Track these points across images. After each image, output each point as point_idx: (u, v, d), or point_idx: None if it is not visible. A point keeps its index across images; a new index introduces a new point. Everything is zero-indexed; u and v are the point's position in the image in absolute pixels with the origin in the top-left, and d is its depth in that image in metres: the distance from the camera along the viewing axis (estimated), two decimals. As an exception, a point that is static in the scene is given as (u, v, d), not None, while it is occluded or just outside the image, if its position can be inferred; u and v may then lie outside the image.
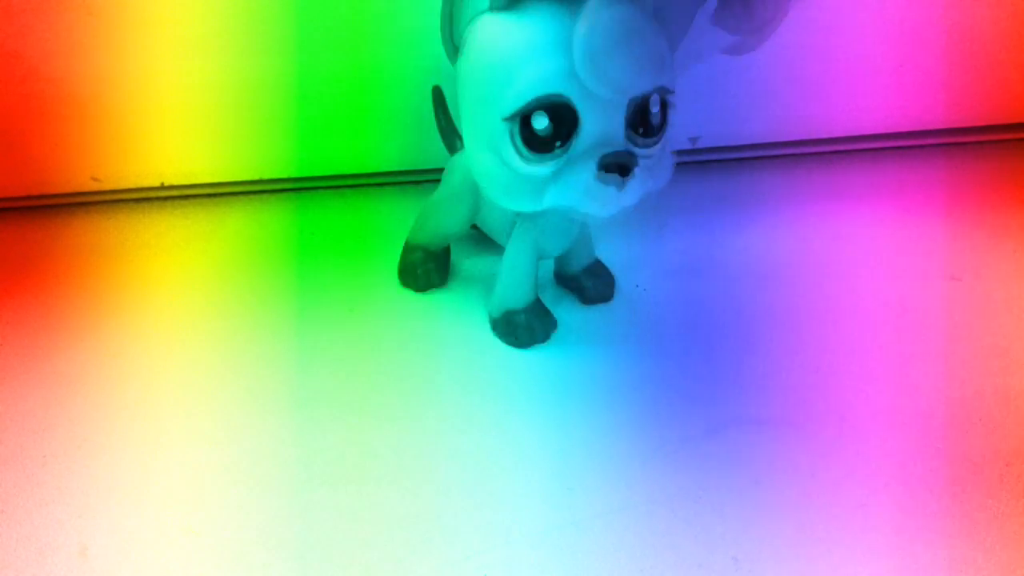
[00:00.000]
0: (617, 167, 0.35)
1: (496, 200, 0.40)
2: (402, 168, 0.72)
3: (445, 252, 0.54)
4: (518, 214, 0.44)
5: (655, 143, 0.38)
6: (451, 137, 0.57)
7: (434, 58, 0.63)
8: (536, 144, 0.36)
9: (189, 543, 0.35)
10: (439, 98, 0.58)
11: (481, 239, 0.53)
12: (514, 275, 0.46)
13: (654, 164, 0.38)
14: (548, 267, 0.53)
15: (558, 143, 0.36)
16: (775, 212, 0.65)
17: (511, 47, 0.36)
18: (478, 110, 0.38)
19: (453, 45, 0.41)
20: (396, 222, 0.66)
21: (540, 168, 0.37)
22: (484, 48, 0.38)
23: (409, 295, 0.54)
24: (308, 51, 0.65)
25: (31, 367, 0.48)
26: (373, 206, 0.69)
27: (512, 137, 0.36)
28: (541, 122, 0.35)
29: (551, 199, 0.38)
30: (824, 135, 0.75)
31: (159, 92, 0.66)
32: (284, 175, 0.71)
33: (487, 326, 0.50)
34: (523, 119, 0.36)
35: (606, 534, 0.35)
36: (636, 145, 0.37)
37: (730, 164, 0.73)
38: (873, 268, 0.56)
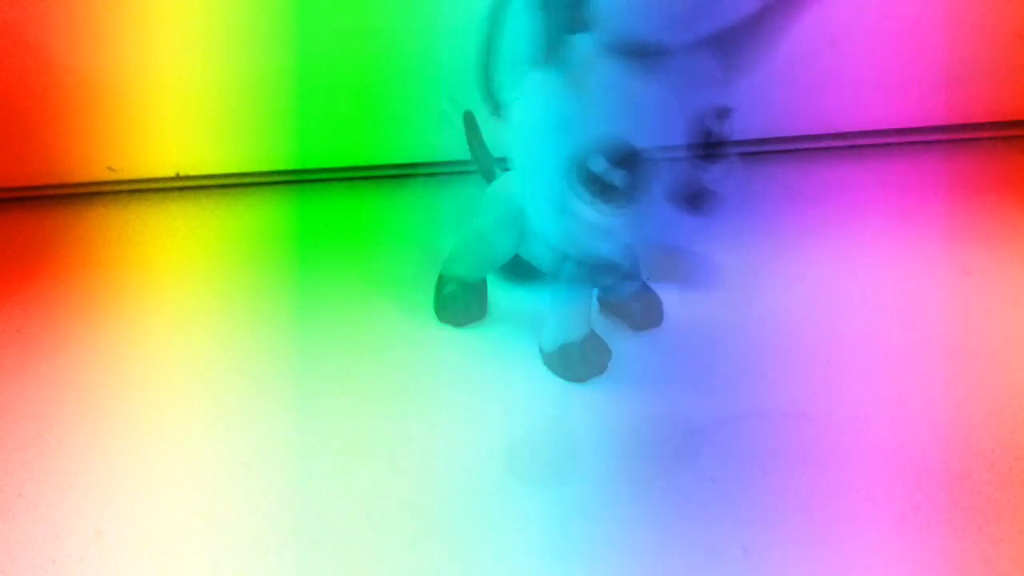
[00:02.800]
0: (688, 201, 0.35)
1: (568, 250, 0.40)
2: (416, 160, 0.72)
3: (482, 283, 0.52)
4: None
5: (717, 166, 0.37)
6: (487, 164, 0.54)
7: (446, 51, 0.64)
8: (601, 189, 0.36)
9: (202, 527, 0.36)
10: (471, 124, 0.55)
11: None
12: (569, 309, 0.45)
13: (725, 179, 0.37)
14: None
15: (622, 182, 0.35)
16: (783, 206, 0.64)
17: (564, 102, 0.36)
18: (537, 165, 0.38)
19: (493, 100, 0.41)
20: (409, 214, 0.66)
21: (608, 210, 0.36)
22: (538, 105, 0.38)
23: (418, 283, 0.54)
24: (322, 45, 0.66)
25: (49, 353, 0.49)
26: (385, 197, 0.70)
27: (577, 187, 0.36)
28: (601, 165, 0.35)
29: (622, 239, 0.38)
30: (831, 130, 0.74)
31: (176, 85, 0.66)
32: (298, 166, 0.72)
33: (496, 312, 0.51)
34: (587, 168, 0.35)
35: (615, 522, 0.35)
36: (703, 170, 0.36)
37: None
38: (883, 262, 0.56)
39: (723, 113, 0.36)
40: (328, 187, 0.72)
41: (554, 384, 0.45)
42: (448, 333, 0.50)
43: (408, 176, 0.73)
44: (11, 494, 0.38)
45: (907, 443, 0.39)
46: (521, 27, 0.38)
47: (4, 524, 0.37)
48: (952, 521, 0.35)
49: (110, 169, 0.69)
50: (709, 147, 0.36)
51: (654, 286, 0.50)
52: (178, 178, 0.71)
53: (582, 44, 0.35)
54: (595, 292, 0.49)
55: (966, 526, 0.35)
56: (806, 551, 0.34)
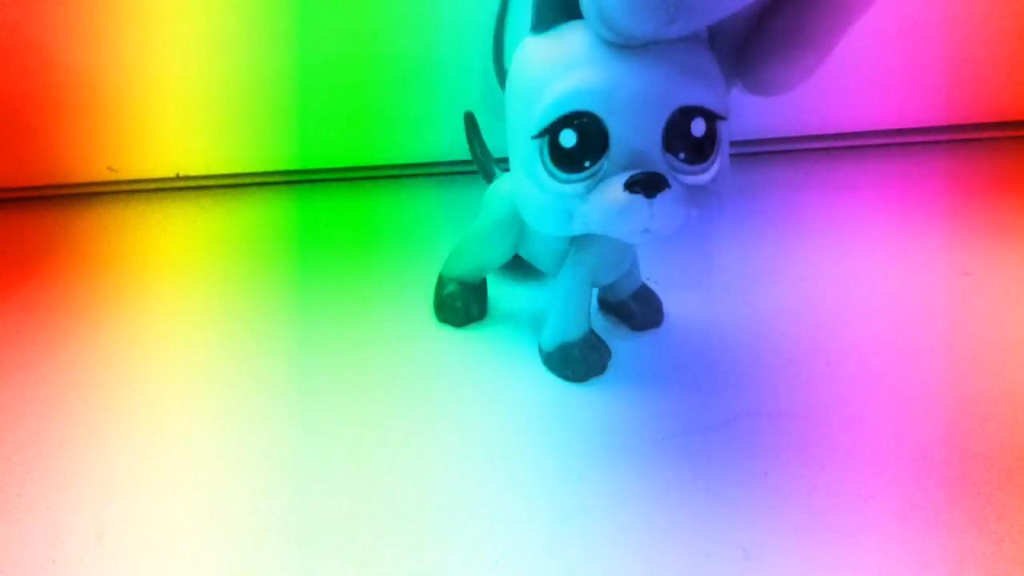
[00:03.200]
0: (642, 185, 0.33)
1: (529, 222, 0.39)
2: (415, 160, 0.72)
3: (482, 283, 0.52)
4: (570, 245, 0.43)
5: (700, 170, 0.35)
6: (487, 164, 0.54)
7: (453, 52, 0.64)
8: (565, 163, 0.35)
9: (202, 527, 0.36)
10: (471, 124, 0.55)
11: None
12: (568, 308, 0.45)
13: (699, 193, 0.35)
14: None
15: (587, 163, 0.34)
16: (784, 206, 0.65)
17: (542, 66, 0.35)
18: (514, 130, 0.37)
19: (503, 72, 0.40)
20: (408, 214, 0.66)
21: (569, 187, 0.35)
22: (520, 69, 0.37)
23: (417, 284, 0.54)
24: (321, 45, 0.66)
25: (48, 353, 0.49)
26: (384, 198, 0.70)
27: (541, 155, 0.35)
28: (569, 139, 0.34)
29: (580, 222, 0.36)
30: (832, 131, 0.75)
31: (175, 85, 0.66)
32: (297, 167, 0.72)
33: (496, 310, 0.51)
34: (552, 138, 0.35)
35: (616, 523, 0.35)
36: (676, 170, 0.35)
37: (738, 159, 0.73)
38: (882, 262, 0.56)
39: (720, 115, 0.35)
40: (328, 187, 0.72)
41: (554, 384, 0.45)
42: (448, 333, 0.50)
43: (408, 176, 0.73)
44: (11, 494, 0.38)
45: (907, 444, 0.39)
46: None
47: (3, 524, 0.37)
48: (952, 522, 0.35)
49: (110, 169, 0.70)
50: (696, 145, 0.35)
51: (654, 286, 0.51)
52: (178, 178, 0.71)
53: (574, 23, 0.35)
54: (595, 292, 0.49)
55: (966, 527, 0.35)
56: (806, 551, 0.34)
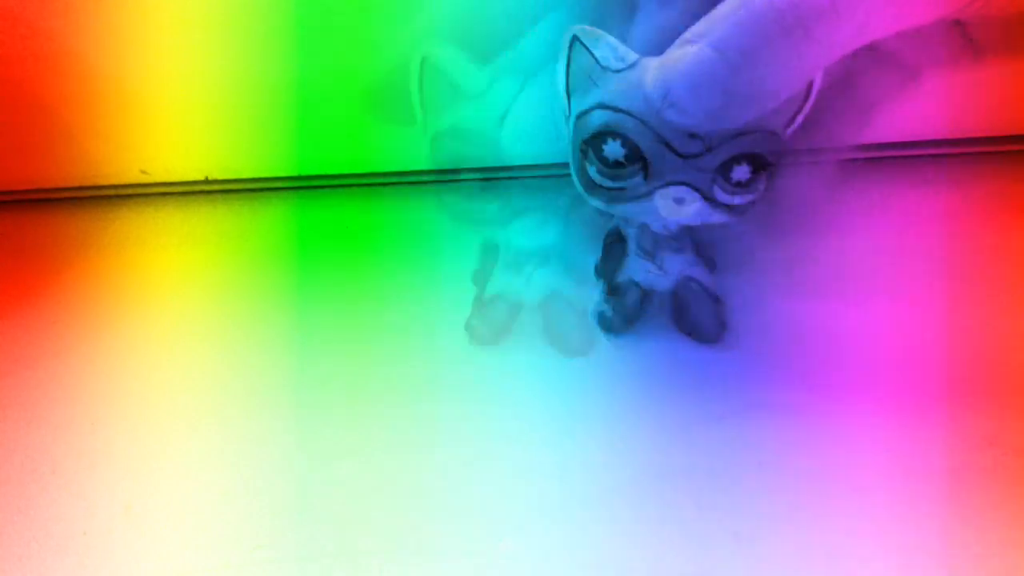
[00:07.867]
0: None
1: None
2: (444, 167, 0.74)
3: None
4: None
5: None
6: None
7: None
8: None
9: (222, 504, 0.38)
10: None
11: None
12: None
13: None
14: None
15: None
16: (787, 211, 0.65)
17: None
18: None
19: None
20: (432, 220, 0.68)
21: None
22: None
23: (435, 287, 0.56)
24: (352, 52, 0.68)
25: (83, 344, 0.52)
26: (419, 205, 0.71)
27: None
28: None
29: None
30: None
31: (205, 89, 0.69)
32: (327, 172, 0.74)
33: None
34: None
35: (613, 509, 0.37)
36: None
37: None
38: (882, 266, 0.56)
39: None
40: (361, 193, 0.73)
41: (555, 372, 0.46)
42: (452, 335, 0.51)
43: (432, 183, 0.74)
44: (46, 471, 0.41)
45: (898, 438, 0.40)
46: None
47: (39, 498, 0.39)
48: (941, 513, 0.36)
49: (142, 172, 0.72)
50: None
51: None
52: (207, 182, 0.74)
53: None
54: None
55: (955, 517, 0.36)
56: (797, 537, 0.35)
